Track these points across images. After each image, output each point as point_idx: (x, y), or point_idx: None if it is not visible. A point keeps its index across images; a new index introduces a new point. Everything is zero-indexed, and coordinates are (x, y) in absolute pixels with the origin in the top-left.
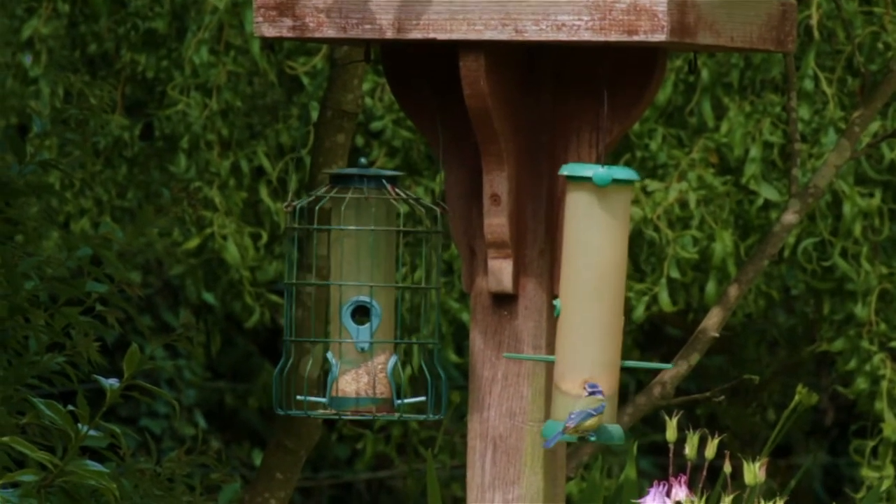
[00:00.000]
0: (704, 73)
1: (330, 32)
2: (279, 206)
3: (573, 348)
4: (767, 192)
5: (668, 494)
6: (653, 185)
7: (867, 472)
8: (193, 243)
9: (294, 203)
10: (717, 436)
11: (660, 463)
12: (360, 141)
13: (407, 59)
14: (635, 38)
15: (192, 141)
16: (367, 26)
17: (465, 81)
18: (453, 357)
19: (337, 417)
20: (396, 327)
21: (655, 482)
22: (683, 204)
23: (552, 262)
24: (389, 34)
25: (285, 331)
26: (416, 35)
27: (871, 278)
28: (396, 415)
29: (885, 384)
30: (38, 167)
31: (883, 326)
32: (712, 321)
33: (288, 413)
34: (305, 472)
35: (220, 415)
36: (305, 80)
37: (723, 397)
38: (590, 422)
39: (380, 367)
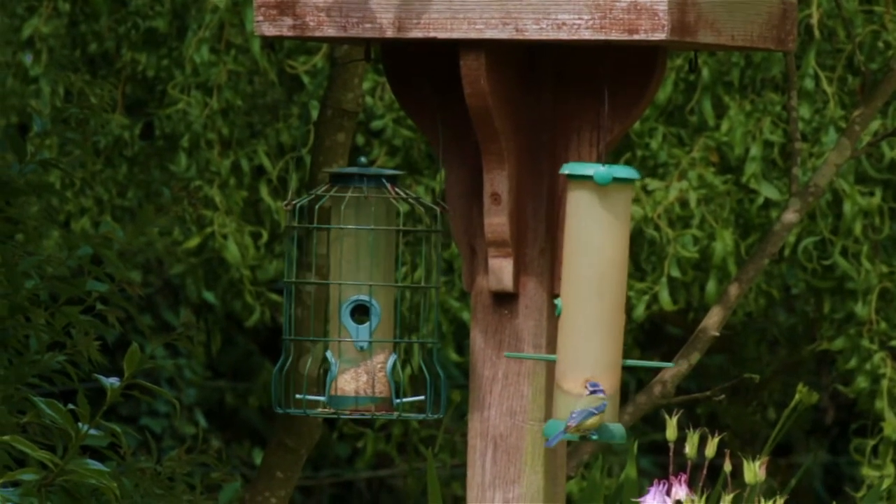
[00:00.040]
0: (705, 72)
1: (330, 31)
2: (279, 205)
3: (574, 347)
4: (768, 191)
5: (668, 493)
6: (653, 183)
7: (868, 471)
8: (194, 242)
9: (294, 202)
10: (717, 435)
11: (660, 462)
12: (360, 140)
13: (407, 57)
14: (636, 37)
15: (192, 140)
16: (368, 25)
17: (466, 80)
18: (454, 356)
19: (336, 416)
20: (396, 326)
21: (656, 481)
22: (684, 203)
23: (553, 261)
24: (390, 33)
25: (284, 329)
26: (416, 34)
27: (871, 277)
28: (395, 414)
29: (885, 383)
30: (39, 166)
31: (883, 325)
32: (713, 320)
33: (287, 412)
34: (306, 471)
35: (221, 414)
36: (306, 79)
37: (723, 396)
38: (591, 420)
39: (379, 366)
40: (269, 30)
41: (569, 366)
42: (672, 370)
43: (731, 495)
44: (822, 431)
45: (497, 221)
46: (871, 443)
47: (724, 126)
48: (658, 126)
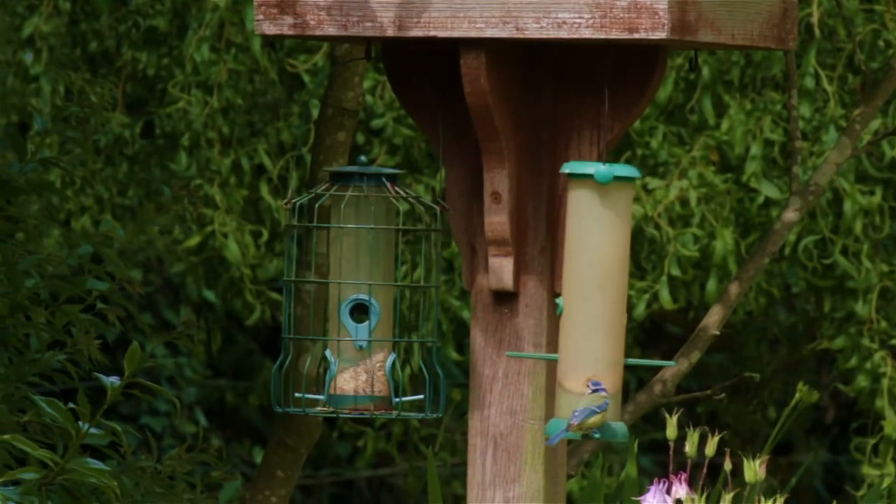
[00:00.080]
0: (705, 71)
1: (331, 30)
2: (280, 203)
3: (576, 346)
4: (768, 190)
5: (668, 492)
6: (653, 182)
7: (868, 470)
8: (194, 241)
9: (294, 200)
10: (717, 433)
11: (660, 461)
12: (360, 139)
13: (408, 56)
14: (636, 35)
15: (192, 139)
16: (368, 24)
17: (466, 79)
18: (454, 355)
19: (335, 415)
20: (395, 326)
21: (656, 480)
22: (684, 202)
23: (553, 260)
24: (390, 32)
25: (284, 328)
26: (416, 33)
27: (871, 276)
28: (394, 413)
29: (885, 382)
30: (39, 165)
31: (883, 324)
32: (713, 319)
33: (286, 410)
34: (306, 470)
35: (221, 412)
36: (306, 78)
37: (723, 395)
38: (593, 419)
39: (378, 365)
40: (269, 28)
41: (570, 365)
42: (672, 369)
43: (732, 494)
44: (822, 430)
45: (497, 220)
46: (872, 441)
47: (725, 125)
48: (658, 125)
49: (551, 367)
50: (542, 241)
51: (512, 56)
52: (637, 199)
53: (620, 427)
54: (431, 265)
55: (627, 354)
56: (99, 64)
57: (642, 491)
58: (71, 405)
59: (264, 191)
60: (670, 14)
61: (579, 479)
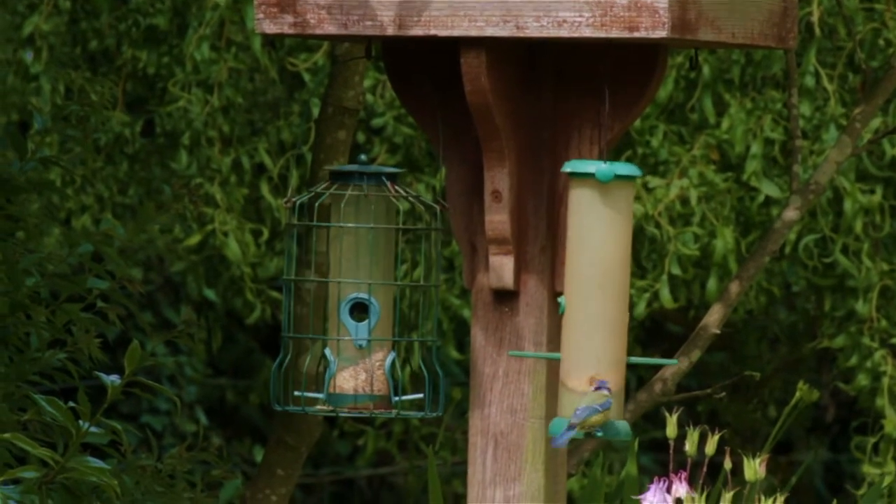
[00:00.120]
0: (705, 70)
1: (331, 29)
2: (280, 202)
3: (578, 345)
4: (768, 189)
5: (668, 491)
6: (654, 181)
7: (868, 469)
8: (194, 240)
9: (293, 199)
10: (717, 432)
11: (660, 459)
12: (361, 137)
13: (408, 55)
14: (636, 34)
15: (193, 137)
16: (368, 23)
17: (466, 78)
18: (454, 353)
19: (334, 414)
20: (395, 324)
21: (656, 479)
22: (684, 200)
23: (553, 259)
24: (390, 31)
25: (284, 327)
26: (417, 32)
27: (871, 275)
28: (394, 412)
29: (886, 381)
30: (39, 164)
31: (884, 323)
32: (713, 318)
33: (286, 409)
34: (306, 469)
35: (222, 411)
36: (306, 77)
37: (724, 394)
38: (595, 418)
39: (378, 364)
40: (269, 27)
41: (573, 364)
42: (672, 368)
43: (732, 493)
44: (822, 429)
45: (498, 219)
46: (872, 440)
47: (725, 124)
48: (659, 124)
49: (552, 365)
50: (542, 239)
51: (512, 55)
52: (637, 198)
53: (623, 425)
54: (432, 264)
55: (628, 353)
56: (99, 62)
57: (642, 490)
58: (71, 404)
59: (265, 189)
60: (670, 13)
61: (580, 478)
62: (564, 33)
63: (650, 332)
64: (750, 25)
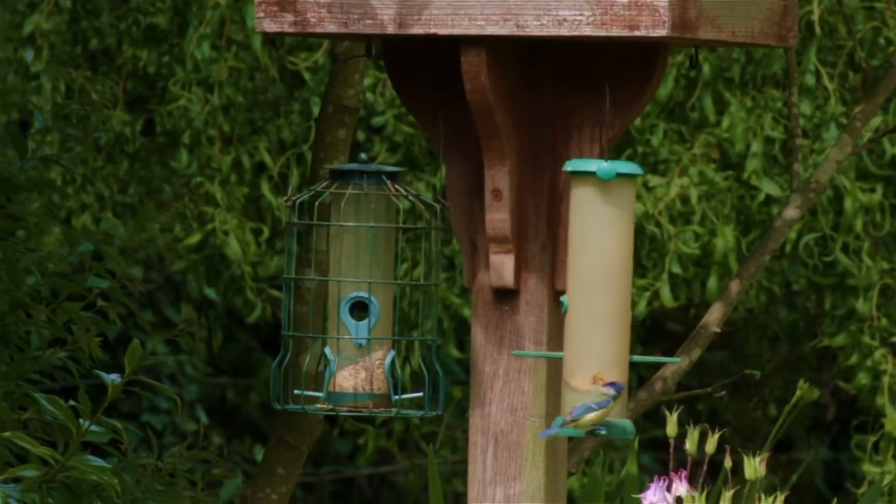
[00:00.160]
0: (706, 69)
1: (331, 28)
2: (280, 201)
3: (581, 344)
4: (769, 188)
5: (668, 490)
6: (654, 180)
7: (869, 468)
8: (195, 239)
9: (294, 198)
10: (718, 431)
11: (661, 458)
12: (361, 136)
13: (408, 54)
14: (636, 33)
15: (193, 136)
16: (369, 21)
17: (467, 76)
18: (455, 352)
19: (334, 413)
20: (395, 323)
21: (656, 477)
22: (685, 199)
23: (554, 257)
24: (391, 29)
25: (283, 325)
26: (417, 30)
27: (872, 273)
28: (394, 411)
29: (886, 379)
30: (40, 163)
31: (884, 322)
32: (714, 316)
33: (286, 408)
34: (307, 468)
35: (222, 410)
36: (307, 76)
37: (724, 392)
38: (591, 416)
39: (377, 363)
40: (270, 26)
41: (576, 363)
42: (673, 366)
43: (732, 491)
44: (823, 428)
45: (498, 218)
46: (872, 439)
47: (725, 122)
48: (659, 122)
49: (552, 364)
50: (542, 238)
51: (512, 53)
52: (638, 197)
53: (627, 424)
54: (432, 263)
55: (629, 352)
56: (99, 61)
57: (643, 488)
58: (72, 403)
59: (265, 188)
60: (671, 11)
61: (580, 477)
62: (565, 32)
63: (650, 331)
64: (750, 24)
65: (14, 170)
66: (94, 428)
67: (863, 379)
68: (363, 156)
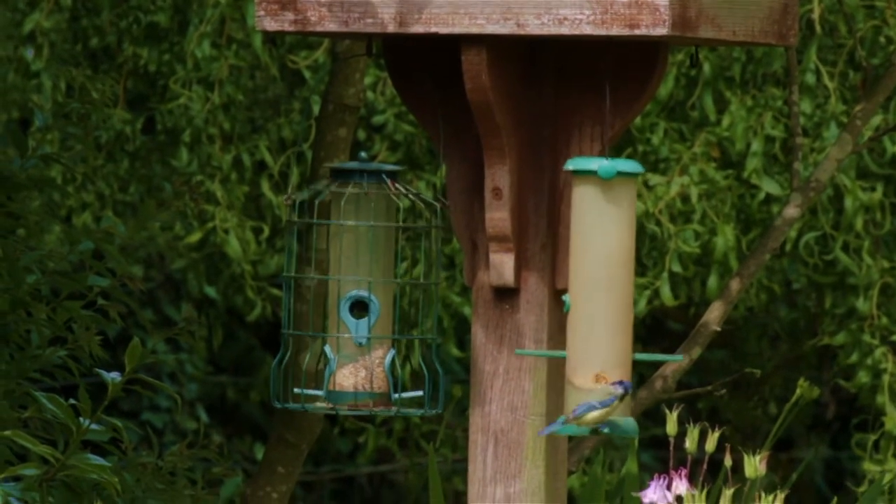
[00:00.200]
0: (706, 67)
1: (332, 26)
2: (281, 199)
3: (583, 343)
4: (769, 186)
5: (668, 488)
6: (654, 179)
7: (869, 466)
8: (195, 237)
9: (294, 196)
10: (718, 429)
11: (661, 457)
12: (361, 135)
13: (408, 52)
14: (637, 32)
15: (193, 135)
16: (369, 20)
17: (467, 75)
18: (455, 351)
19: (334, 412)
20: (395, 322)
21: (656, 476)
22: (685, 198)
23: (554, 256)
24: (391, 28)
25: (283, 324)
26: (417, 29)
27: (872, 272)
28: (394, 409)
29: (886, 378)
30: (40, 161)
31: (884, 320)
32: (714, 315)
33: (285, 406)
34: (307, 466)
35: (222, 409)
36: (307, 74)
37: (724, 391)
38: (593, 414)
39: (377, 361)
40: (270, 25)
41: (579, 361)
42: (673, 365)
43: (732, 490)
44: (823, 426)
45: (498, 216)
46: (873, 438)
47: (726, 121)
48: (659, 121)
49: (552, 363)
50: (543, 237)
51: (513, 52)
52: (638, 196)
53: (630, 422)
54: (432, 261)
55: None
56: (100, 60)
57: (643, 487)
58: (72, 401)
59: (265, 187)
60: (671, 10)
61: (580, 476)
62: (565, 31)
63: (651, 330)
64: (751, 23)
65: (14, 168)
66: (94, 426)
67: (863, 377)
68: (363, 154)
